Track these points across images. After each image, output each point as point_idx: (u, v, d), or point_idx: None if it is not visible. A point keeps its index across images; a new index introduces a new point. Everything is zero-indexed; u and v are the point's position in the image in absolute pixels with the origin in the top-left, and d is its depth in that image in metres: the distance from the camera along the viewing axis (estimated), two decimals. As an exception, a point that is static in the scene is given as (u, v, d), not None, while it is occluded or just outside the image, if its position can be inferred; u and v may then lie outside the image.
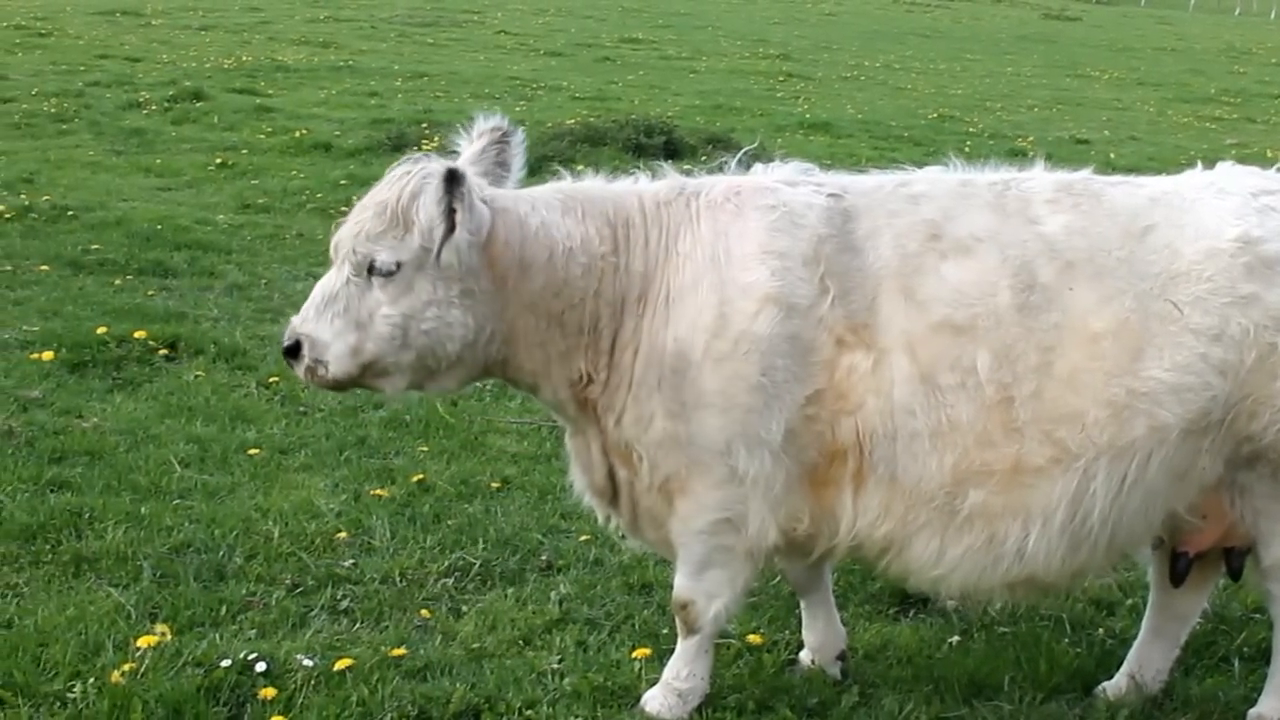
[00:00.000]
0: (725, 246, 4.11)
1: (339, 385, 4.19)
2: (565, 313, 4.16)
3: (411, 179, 4.00)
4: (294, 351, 4.11)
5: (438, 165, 4.00)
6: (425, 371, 4.15)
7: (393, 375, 4.14)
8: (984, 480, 4.02)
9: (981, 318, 3.99)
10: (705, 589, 4.29)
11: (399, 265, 4.00)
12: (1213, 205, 4.14)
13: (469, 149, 4.30)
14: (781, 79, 24.12)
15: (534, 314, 4.14)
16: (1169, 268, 4.02)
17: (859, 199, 4.20)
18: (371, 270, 4.01)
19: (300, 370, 4.12)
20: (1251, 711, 4.49)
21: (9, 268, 9.50)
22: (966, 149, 15.97)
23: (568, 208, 4.22)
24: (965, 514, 4.05)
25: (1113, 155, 17.20)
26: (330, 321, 4.04)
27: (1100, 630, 5.17)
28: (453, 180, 3.94)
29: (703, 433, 4.08)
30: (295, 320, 4.13)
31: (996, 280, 4.01)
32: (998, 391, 3.98)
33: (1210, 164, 4.44)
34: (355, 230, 4.03)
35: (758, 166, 4.37)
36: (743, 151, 4.57)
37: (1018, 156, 14.98)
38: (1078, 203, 4.15)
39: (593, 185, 4.39)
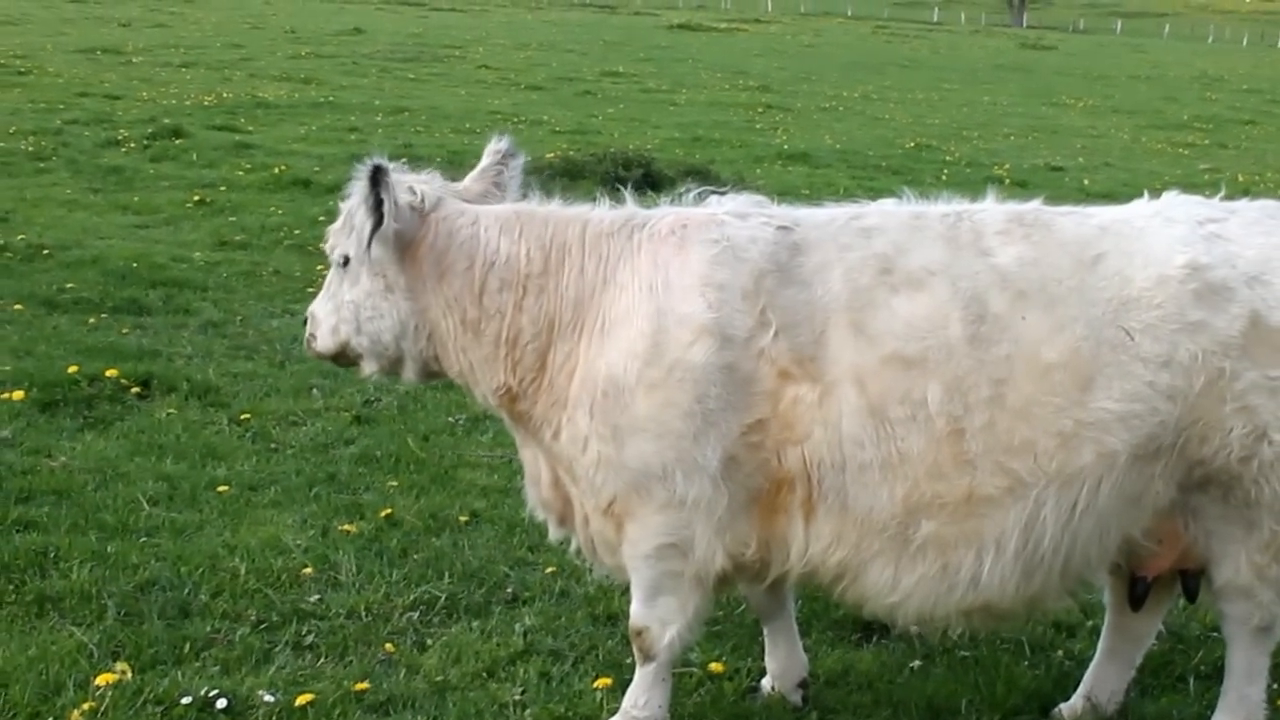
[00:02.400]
0: (664, 278, 4.17)
1: (324, 357, 4.72)
2: (482, 322, 4.38)
3: (359, 179, 4.39)
4: (306, 322, 4.74)
5: (368, 163, 4.35)
6: (383, 358, 4.57)
7: (363, 359, 4.61)
8: (936, 511, 4.06)
9: (933, 350, 4.03)
10: (658, 615, 4.33)
11: (347, 258, 4.49)
12: (1161, 233, 4.19)
13: (477, 166, 4.72)
14: (761, 110, 24.30)
15: (452, 317, 4.43)
16: (1120, 294, 4.07)
17: (810, 232, 4.25)
18: (345, 262, 4.50)
19: (305, 337, 4.74)
20: (1206, 730, 4.53)
21: (-18, 307, 9.52)
22: (944, 177, 16.15)
23: (507, 226, 4.43)
24: (918, 543, 4.09)
25: (1087, 182, 17.37)
26: (325, 302, 4.62)
27: (1059, 652, 5.21)
28: (378, 175, 4.28)
29: (637, 457, 4.14)
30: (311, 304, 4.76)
31: (948, 313, 4.05)
32: (949, 424, 4.02)
33: (1184, 189, 4.51)
34: (337, 224, 4.56)
35: (712, 199, 4.43)
36: (702, 188, 4.63)
37: (994, 184, 15.13)
38: (1029, 233, 4.20)
39: (544, 209, 4.55)
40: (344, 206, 4.51)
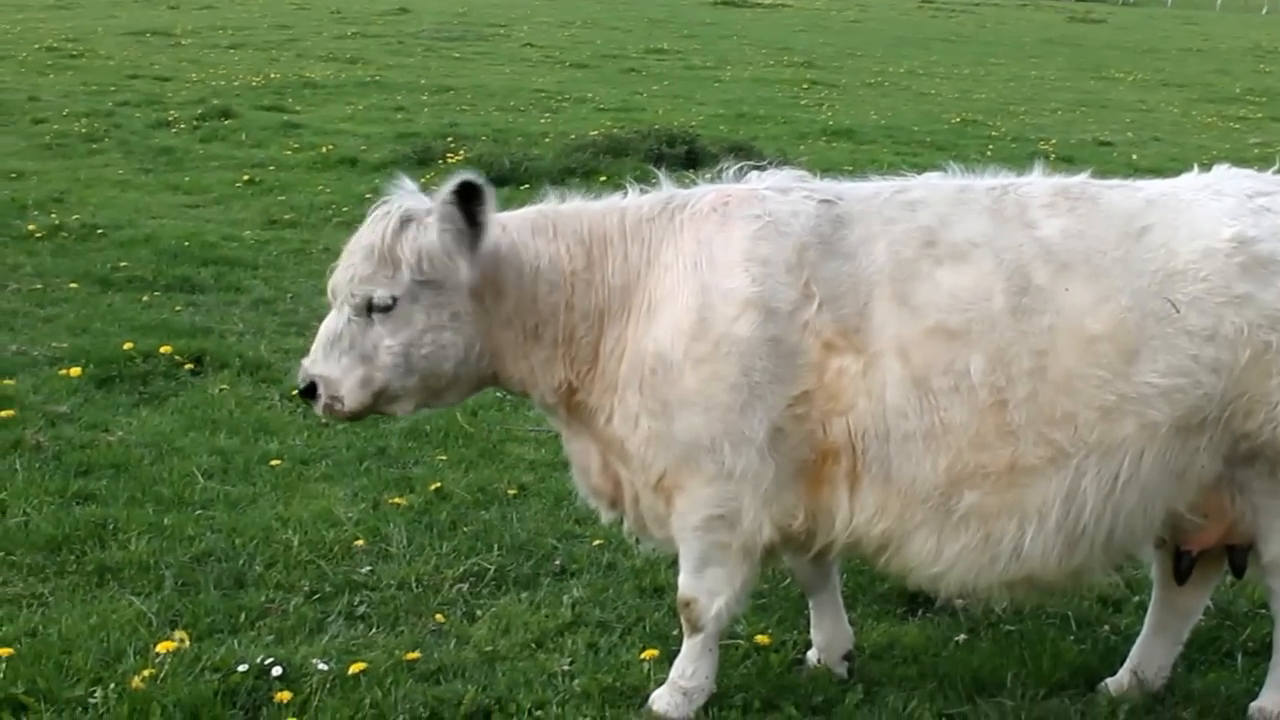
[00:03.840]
0: (708, 255, 4.22)
1: (355, 416, 4.46)
2: (539, 327, 4.37)
3: (391, 218, 4.23)
4: (310, 392, 4.36)
5: (419, 201, 4.27)
6: (429, 392, 4.43)
7: (402, 399, 4.41)
8: (979, 481, 4.09)
9: (975, 322, 4.06)
10: (706, 587, 4.38)
11: (394, 300, 4.24)
12: (1209, 206, 4.19)
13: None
14: (805, 86, 24.17)
15: (511, 329, 4.38)
16: (1165, 266, 4.07)
17: (854, 205, 4.28)
18: (370, 308, 4.24)
19: (319, 408, 4.38)
20: (1252, 705, 4.54)
21: (39, 285, 9.69)
22: (989, 153, 16.03)
23: (538, 228, 4.41)
24: (961, 514, 4.12)
25: (1135, 157, 17.18)
26: (339, 360, 4.30)
27: (1105, 627, 5.22)
28: (473, 191, 4.16)
29: (687, 430, 4.18)
30: (305, 363, 4.38)
31: (991, 285, 4.08)
32: (991, 395, 4.04)
33: (1234, 164, 4.49)
34: (348, 275, 4.27)
35: (752, 175, 4.47)
36: (744, 164, 4.66)
37: (1040, 159, 15.02)
38: (1074, 206, 4.21)
39: (571, 206, 4.53)
40: (365, 249, 4.22)
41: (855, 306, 4.13)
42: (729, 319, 4.13)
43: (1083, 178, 4.40)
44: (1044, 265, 4.09)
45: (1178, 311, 4.04)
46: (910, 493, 4.12)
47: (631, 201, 4.48)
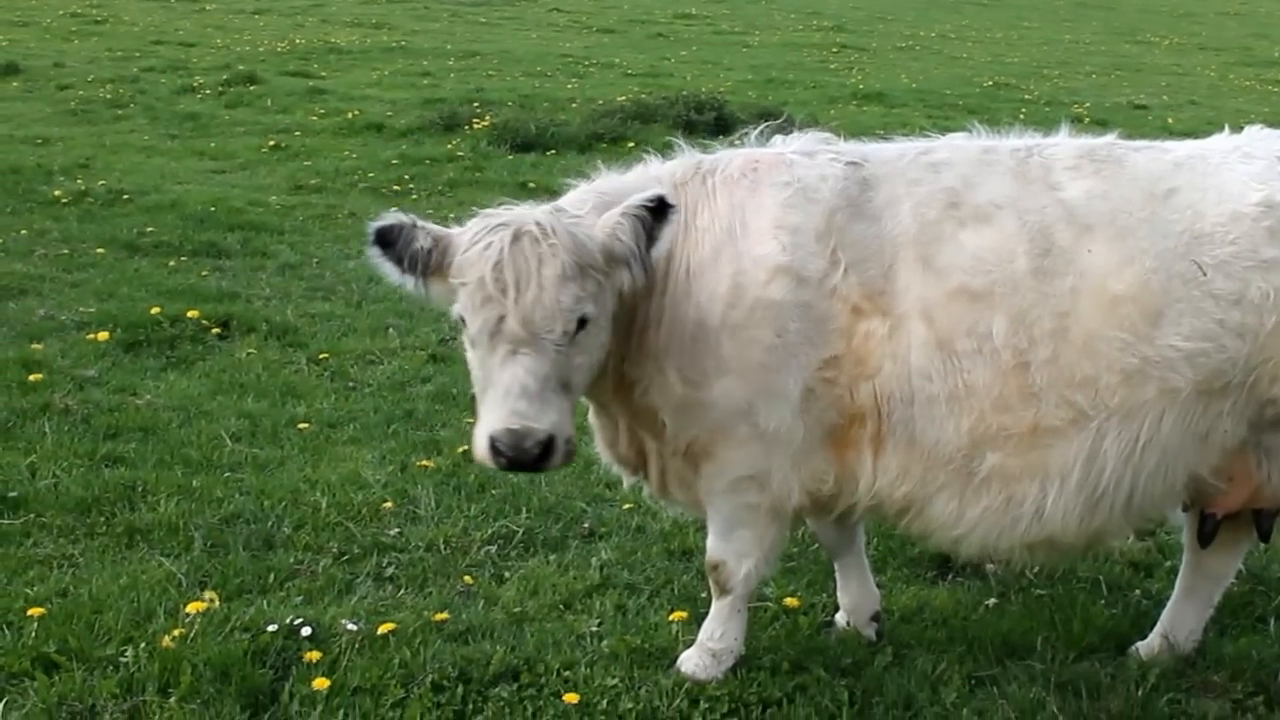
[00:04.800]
0: (741, 220, 4.18)
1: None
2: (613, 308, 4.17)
3: (590, 234, 3.92)
4: (548, 447, 3.86)
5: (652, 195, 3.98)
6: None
7: None
8: (1001, 443, 4.06)
9: (998, 284, 4.02)
10: (735, 549, 4.36)
11: (598, 310, 3.96)
12: (1237, 169, 4.12)
13: None
14: (835, 50, 24.03)
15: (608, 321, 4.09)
16: (1192, 229, 4.01)
17: (879, 168, 4.23)
18: (581, 325, 3.91)
19: (557, 460, 3.90)
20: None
21: (66, 251, 9.72)
22: (1022, 116, 15.83)
23: (599, 210, 4.13)
24: (983, 475, 4.09)
25: (1171, 120, 17.03)
26: (554, 402, 3.86)
27: (1136, 592, 5.18)
28: (666, 209, 3.95)
29: (725, 397, 4.14)
30: (519, 425, 3.80)
31: (1014, 247, 4.03)
32: (1013, 356, 4.01)
33: (1270, 127, 4.40)
34: (552, 303, 3.83)
35: (777, 139, 4.41)
36: (768, 125, 4.59)
37: (1073, 123, 14.88)
38: (1099, 168, 4.15)
39: (611, 181, 4.35)
40: (560, 272, 3.81)
41: (881, 269, 4.09)
42: (761, 284, 4.10)
43: (1109, 139, 4.33)
44: (1067, 227, 4.04)
45: (1204, 274, 3.98)
46: (933, 455, 4.10)
47: (664, 169, 4.40)
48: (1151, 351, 3.96)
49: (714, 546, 4.41)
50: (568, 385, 3.93)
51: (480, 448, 3.88)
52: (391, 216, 3.93)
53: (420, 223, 3.95)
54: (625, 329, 4.20)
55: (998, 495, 4.10)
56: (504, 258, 3.81)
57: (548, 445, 3.83)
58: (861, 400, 4.11)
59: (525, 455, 3.82)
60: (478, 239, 3.88)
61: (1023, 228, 4.04)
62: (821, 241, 4.10)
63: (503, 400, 3.83)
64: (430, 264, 3.91)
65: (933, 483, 4.12)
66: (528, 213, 3.94)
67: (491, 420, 3.85)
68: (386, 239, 3.92)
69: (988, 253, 4.03)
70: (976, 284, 4.02)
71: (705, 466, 4.26)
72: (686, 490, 4.40)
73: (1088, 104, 18.17)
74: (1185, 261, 3.98)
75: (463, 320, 3.95)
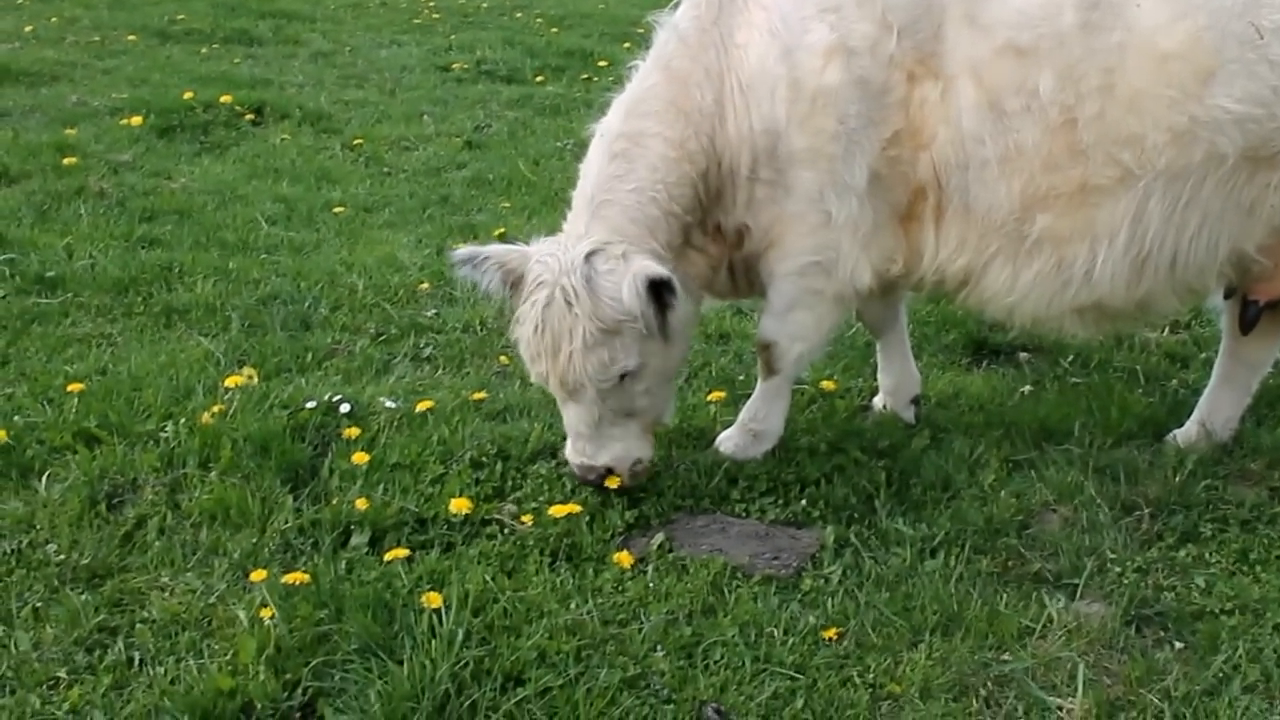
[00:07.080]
0: (780, 16, 4.05)
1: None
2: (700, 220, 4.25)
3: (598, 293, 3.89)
4: (613, 471, 4.11)
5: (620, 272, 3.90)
6: None
7: None
8: (1051, 204, 4.00)
9: (1044, 39, 3.92)
10: (789, 331, 4.33)
11: (641, 358, 4.00)
12: None
13: None
14: None
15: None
16: None
17: None
18: (624, 378, 3.99)
19: (627, 482, 4.12)
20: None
21: (97, 38, 9.59)
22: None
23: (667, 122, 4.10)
24: (1034, 238, 4.05)
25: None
26: (613, 434, 4.07)
27: (1174, 382, 5.14)
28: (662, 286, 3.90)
29: (799, 187, 4.10)
30: (578, 460, 4.07)
31: (1060, 1, 3.92)
32: (1061, 113, 3.92)
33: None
34: (580, 370, 3.92)
35: None
36: None
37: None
38: None
39: (646, 85, 4.15)
40: (591, 333, 3.87)
41: (930, 30, 3.99)
42: (817, 71, 4.00)
43: None
44: None
45: (1261, 38, 3.83)
46: (987, 221, 4.05)
47: (680, 29, 4.17)
48: (1200, 111, 3.84)
49: (767, 327, 4.36)
50: (631, 413, 4.08)
51: None
52: (464, 253, 4.01)
53: (487, 254, 3.99)
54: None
55: (1049, 259, 4.07)
56: (541, 322, 3.93)
57: (606, 474, 4.09)
58: (921, 173, 4.06)
59: (591, 482, 4.12)
60: (527, 294, 3.95)
61: None
62: (864, 8, 3.98)
63: (569, 434, 4.12)
64: (508, 289, 4.01)
65: (987, 249, 4.09)
66: (563, 264, 3.89)
67: (566, 445, 4.16)
68: (464, 268, 4.02)
69: (1034, 7, 3.93)
70: (1023, 39, 3.92)
71: (773, 253, 4.21)
72: (753, 283, 4.36)
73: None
74: (1242, 22, 3.83)
75: None
